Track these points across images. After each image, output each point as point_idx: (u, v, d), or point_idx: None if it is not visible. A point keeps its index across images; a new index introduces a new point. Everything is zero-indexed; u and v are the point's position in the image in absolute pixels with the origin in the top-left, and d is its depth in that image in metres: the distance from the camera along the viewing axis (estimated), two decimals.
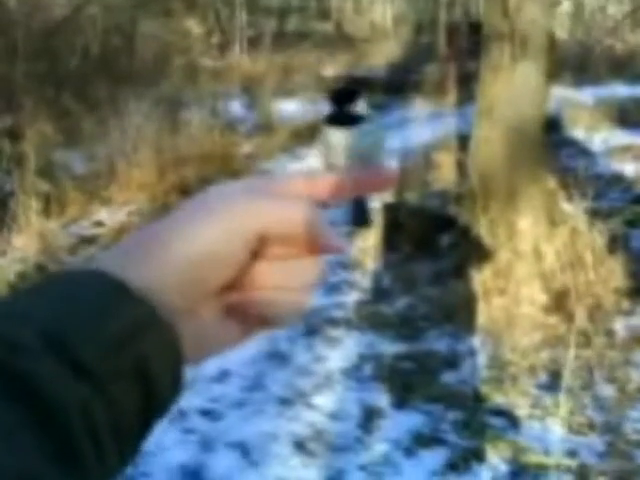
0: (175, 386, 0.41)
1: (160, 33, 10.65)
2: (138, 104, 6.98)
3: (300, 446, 3.00)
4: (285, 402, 3.34)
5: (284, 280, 0.46)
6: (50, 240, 5.06)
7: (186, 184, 6.37)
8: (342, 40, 14.88)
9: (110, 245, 5.05)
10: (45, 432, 0.34)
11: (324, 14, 18.46)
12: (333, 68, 12.31)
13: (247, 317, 0.46)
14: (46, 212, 5.23)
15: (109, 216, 5.68)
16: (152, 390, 0.40)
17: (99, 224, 5.55)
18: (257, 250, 0.44)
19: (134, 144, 6.30)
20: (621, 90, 10.69)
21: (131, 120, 6.66)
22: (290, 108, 9.78)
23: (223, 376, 3.53)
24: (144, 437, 0.41)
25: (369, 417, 3.20)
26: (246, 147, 7.87)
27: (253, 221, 0.43)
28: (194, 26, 11.84)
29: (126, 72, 8.88)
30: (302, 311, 0.47)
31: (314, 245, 0.45)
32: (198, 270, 0.42)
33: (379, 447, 2.98)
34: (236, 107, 9.35)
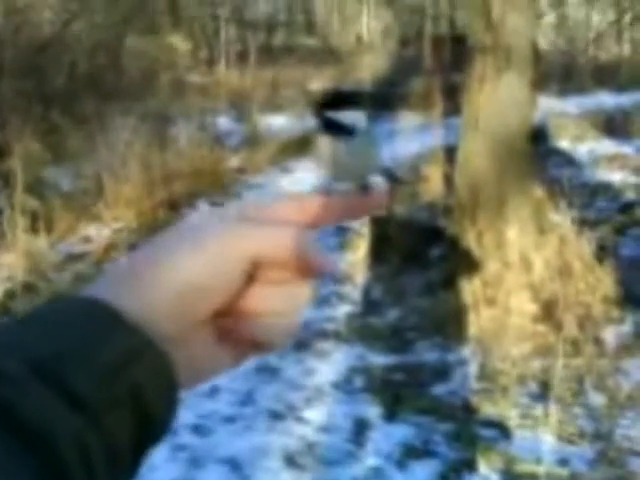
0: (169, 413, 0.41)
1: (147, 49, 10.67)
2: (125, 120, 6.97)
3: (291, 460, 2.98)
4: (275, 416, 3.32)
5: (277, 304, 0.46)
6: (38, 258, 5.04)
7: (175, 200, 6.37)
8: (328, 54, 14.95)
9: (99, 262, 5.04)
10: (35, 462, 0.34)
11: (310, 28, 18.56)
12: (320, 82, 12.34)
13: (240, 342, 0.47)
14: (34, 229, 5.21)
15: (97, 233, 5.66)
16: (146, 418, 0.40)
17: (87, 241, 5.53)
18: (252, 275, 0.44)
19: (122, 160, 6.29)
20: (606, 100, 10.77)
21: (119, 136, 6.65)
22: (278, 122, 9.80)
23: (213, 391, 3.52)
24: (139, 464, 0.41)
25: (360, 430, 3.19)
26: (235, 161, 7.87)
27: (243, 248, 0.43)
28: (180, 42, 11.86)
29: (113, 89, 8.89)
30: (293, 335, 0.47)
31: (305, 269, 0.45)
32: (189, 298, 0.42)
33: (370, 460, 2.97)
34: (224, 122, 9.36)
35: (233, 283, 0.43)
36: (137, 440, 0.39)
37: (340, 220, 0.50)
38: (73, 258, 5.20)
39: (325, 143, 0.52)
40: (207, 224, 0.45)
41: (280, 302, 0.46)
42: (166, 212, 6.16)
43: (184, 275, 0.42)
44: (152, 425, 0.40)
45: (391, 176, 0.54)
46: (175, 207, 6.32)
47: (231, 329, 0.46)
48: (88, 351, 0.38)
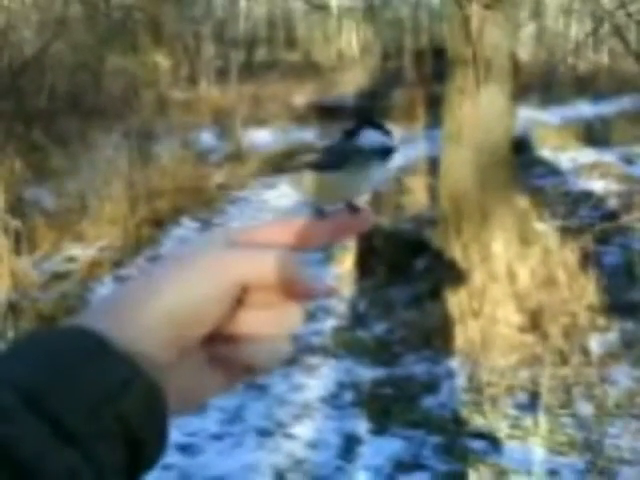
0: (161, 440, 0.41)
1: (128, 67, 10.66)
2: (108, 138, 6.96)
3: (280, 478, 2.96)
4: (264, 433, 3.30)
5: (266, 328, 0.46)
6: (22, 277, 4.99)
7: (158, 217, 6.35)
8: (310, 69, 15.01)
9: (84, 281, 5.01)
10: None
11: (291, 44, 18.63)
12: (302, 97, 12.39)
13: (231, 366, 0.47)
14: (17, 249, 5.17)
15: (81, 251, 5.63)
16: (138, 446, 0.39)
17: (71, 260, 5.50)
18: (242, 300, 0.45)
19: (105, 178, 6.27)
20: (586, 109, 10.88)
21: (101, 155, 6.63)
22: (261, 137, 9.81)
23: (201, 409, 3.49)
24: None
25: (349, 445, 3.17)
26: (218, 177, 7.87)
27: (231, 274, 0.43)
28: (162, 59, 11.87)
29: (95, 107, 8.87)
30: (283, 358, 0.48)
31: (294, 292, 0.45)
32: (180, 325, 0.42)
33: (360, 475, 2.96)
34: (207, 138, 9.37)
35: (222, 309, 0.43)
36: (130, 468, 0.39)
37: (327, 241, 0.50)
38: (57, 277, 5.16)
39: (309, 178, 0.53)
40: (194, 251, 0.45)
41: (269, 325, 0.46)
42: (150, 229, 6.14)
43: (174, 303, 0.42)
44: (144, 452, 0.40)
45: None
46: (159, 224, 6.30)
47: (222, 353, 0.46)
48: (78, 383, 0.38)
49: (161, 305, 0.42)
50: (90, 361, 0.39)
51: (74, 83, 9.46)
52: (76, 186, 6.34)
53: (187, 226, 6.53)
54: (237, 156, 8.77)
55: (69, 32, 9.44)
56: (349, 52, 17.97)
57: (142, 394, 0.40)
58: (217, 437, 3.28)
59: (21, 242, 5.21)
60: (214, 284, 0.43)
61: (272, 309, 0.46)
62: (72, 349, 0.39)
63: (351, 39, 18.45)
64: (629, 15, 4.80)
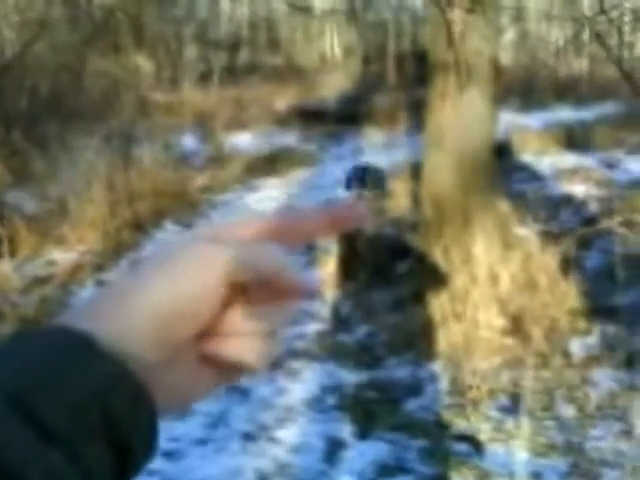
0: (150, 442, 0.40)
1: (109, 69, 10.61)
2: (89, 141, 6.91)
3: None
4: (248, 437, 3.29)
5: (257, 325, 0.45)
6: (2, 281, 4.95)
7: (140, 220, 6.32)
8: (292, 72, 15.01)
9: (65, 284, 4.98)
10: None
11: (274, 46, 18.63)
12: (284, 100, 12.39)
13: (222, 364, 0.46)
14: None
15: (62, 255, 5.59)
16: (125, 448, 0.39)
17: (52, 264, 5.46)
18: (230, 296, 0.44)
19: (86, 182, 6.23)
20: (567, 114, 10.97)
21: (82, 157, 6.59)
22: (243, 140, 9.80)
23: (186, 413, 3.48)
24: None
25: (333, 449, 3.17)
26: (200, 180, 7.84)
27: (219, 271, 0.42)
28: (144, 61, 11.83)
29: (76, 110, 8.81)
30: (273, 357, 0.47)
31: (284, 288, 0.45)
32: (168, 324, 0.42)
33: (344, 479, 2.96)
34: (188, 141, 9.34)
35: (211, 307, 0.43)
36: (117, 470, 0.39)
37: (315, 236, 0.49)
38: (38, 281, 5.12)
39: None
40: (181, 248, 0.44)
41: (260, 322, 0.45)
42: (131, 233, 6.11)
43: (161, 302, 0.41)
44: (132, 455, 0.39)
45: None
46: (140, 227, 6.27)
47: (212, 352, 0.45)
48: (62, 383, 0.37)
49: (147, 303, 0.41)
50: (74, 360, 0.38)
51: (55, 85, 9.40)
52: (57, 189, 6.30)
53: (169, 229, 6.51)
54: (219, 159, 8.76)
55: (50, 33, 9.37)
56: (332, 55, 18.00)
57: (128, 393, 0.39)
58: (201, 442, 3.27)
59: (1, 246, 5.17)
60: (202, 282, 0.42)
61: (261, 306, 0.45)
62: (55, 348, 0.38)
63: (334, 42, 18.49)
64: (610, 21, 4.85)
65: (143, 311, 0.41)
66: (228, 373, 0.47)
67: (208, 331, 0.44)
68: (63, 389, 0.37)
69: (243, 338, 0.45)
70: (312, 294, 0.46)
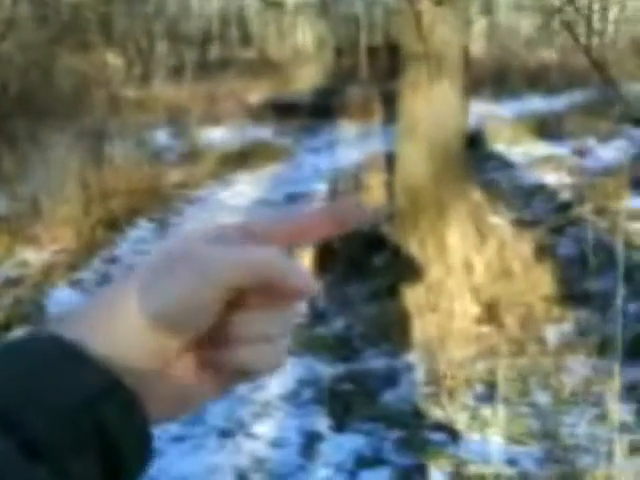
0: (143, 452, 0.40)
1: (80, 66, 10.50)
2: (60, 139, 6.84)
3: (242, 478, 2.95)
4: (225, 433, 3.29)
5: (259, 329, 0.44)
6: None
7: (114, 218, 6.27)
8: (265, 66, 14.96)
9: (38, 285, 4.92)
10: None
11: (246, 41, 18.55)
12: (258, 94, 12.35)
13: (223, 370, 0.45)
14: None
15: (35, 255, 5.53)
16: (117, 459, 0.38)
17: (24, 264, 5.40)
18: (232, 301, 0.43)
19: (58, 180, 6.16)
20: (538, 103, 11.05)
21: (53, 156, 6.52)
22: (217, 135, 9.76)
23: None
24: None
25: (310, 442, 3.17)
26: (174, 176, 7.80)
27: (218, 277, 0.41)
28: (114, 58, 11.72)
29: (46, 107, 8.72)
30: (280, 363, 0.46)
31: (286, 292, 0.44)
32: (164, 330, 0.41)
33: (322, 472, 2.96)
34: (161, 137, 9.28)
35: (210, 312, 0.42)
36: None
37: (318, 236, 0.48)
38: (11, 283, 5.07)
39: None
40: (180, 253, 0.43)
41: (263, 327, 0.44)
42: (105, 231, 6.06)
43: (156, 308, 0.40)
44: (124, 467, 0.39)
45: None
46: (114, 225, 6.22)
47: (213, 357, 0.44)
48: (51, 394, 0.36)
49: (142, 310, 0.40)
50: (63, 371, 0.37)
51: (24, 83, 9.29)
52: (28, 189, 6.23)
53: (143, 227, 6.47)
54: (193, 155, 8.71)
55: (18, 31, 9.26)
56: (304, 49, 17.97)
57: (118, 405, 0.38)
58: (178, 439, 3.26)
59: None
60: (198, 291, 0.41)
61: (263, 310, 0.44)
62: (44, 359, 0.38)
63: (306, 36, 18.45)
64: (577, 10, 4.88)
65: (137, 318, 0.40)
66: (230, 379, 0.46)
67: (209, 337, 0.43)
68: (50, 401, 0.36)
69: (246, 343, 0.44)
70: (310, 295, 0.46)
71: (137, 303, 0.41)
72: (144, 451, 0.40)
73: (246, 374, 0.46)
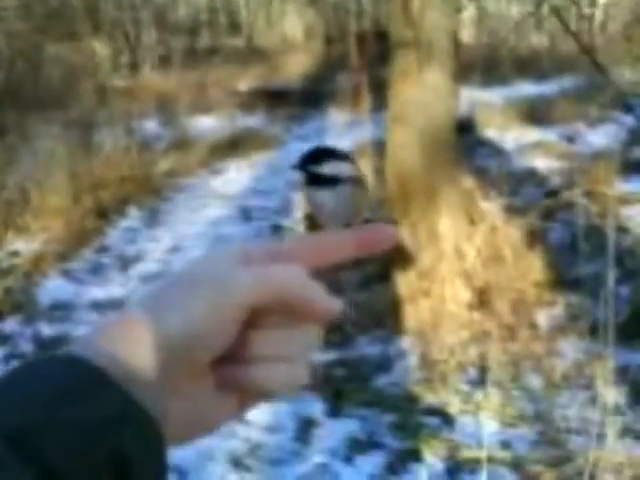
0: (159, 472, 0.40)
1: (67, 56, 10.43)
2: (48, 129, 6.81)
3: (237, 463, 2.96)
4: None
5: (279, 349, 0.44)
6: None
7: (103, 207, 6.25)
8: (254, 54, 14.90)
9: (28, 275, 4.90)
10: None
11: (235, 29, 18.45)
12: (247, 82, 12.31)
13: (242, 389, 0.45)
14: None
15: (25, 245, 5.51)
16: None
17: (14, 254, 5.38)
18: (250, 320, 0.43)
19: (47, 170, 6.13)
20: (528, 89, 11.05)
21: (42, 145, 6.49)
22: (206, 124, 9.72)
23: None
24: None
25: (304, 428, 3.19)
26: (164, 165, 7.77)
27: (238, 297, 0.41)
28: (101, 47, 11.64)
29: (33, 97, 8.66)
30: (300, 383, 0.46)
31: (308, 312, 0.44)
32: (183, 350, 0.41)
33: (316, 457, 2.97)
34: (151, 125, 9.23)
35: (229, 332, 0.42)
36: None
37: (349, 256, 0.49)
38: (1, 273, 5.04)
39: (311, 195, 0.53)
40: (202, 272, 0.43)
41: (282, 346, 0.44)
42: (95, 220, 6.04)
43: (175, 328, 0.40)
44: None
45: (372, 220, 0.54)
46: (104, 215, 6.20)
47: (233, 376, 0.44)
48: (68, 419, 0.36)
49: (159, 335, 0.40)
50: (81, 394, 0.37)
51: (12, 73, 9.22)
52: (17, 178, 6.19)
53: (133, 216, 6.44)
54: (182, 143, 8.68)
55: (4, 21, 9.18)
56: (293, 36, 17.89)
57: (136, 429, 0.38)
58: None
59: None
60: (219, 311, 0.41)
61: (286, 329, 0.44)
62: (63, 381, 0.37)
63: (295, 23, 18.37)
64: None
65: (155, 342, 0.40)
66: (250, 399, 0.46)
67: (228, 357, 0.43)
68: (70, 426, 0.36)
69: (264, 362, 0.44)
70: (334, 316, 0.45)
71: (155, 327, 0.40)
72: (159, 473, 0.40)
73: (264, 394, 0.46)
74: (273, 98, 11.04)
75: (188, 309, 0.41)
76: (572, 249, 4.65)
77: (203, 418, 0.45)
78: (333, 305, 0.45)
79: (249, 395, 0.46)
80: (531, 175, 6.67)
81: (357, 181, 0.54)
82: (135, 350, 0.40)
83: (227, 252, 0.45)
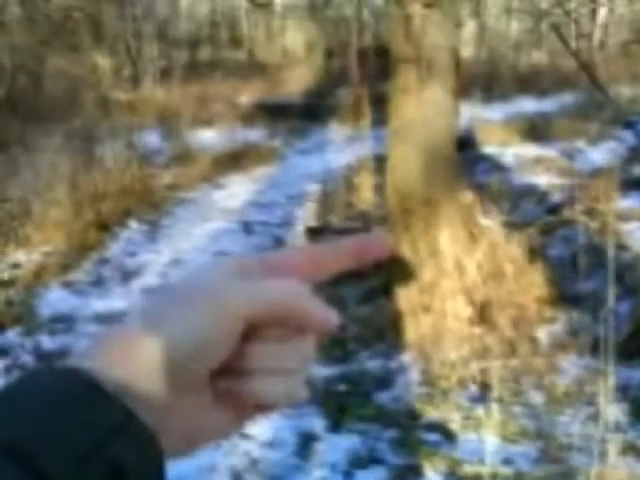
0: None
1: (69, 68, 10.47)
2: (50, 141, 6.82)
3: (238, 478, 2.95)
4: None
5: (277, 362, 0.44)
6: None
7: (104, 220, 6.26)
8: (255, 68, 14.97)
9: (29, 287, 4.90)
10: None
11: (236, 43, 18.53)
12: (248, 96, 12.35)
13: (240, 403, 0.45)
14: None
15: (26, 257, 5.51)
16: None
17: (16, 266, 5.38)
18: (248, 333, 0.43)
19: (48, 182, 6.15)
20: (528, 105, 11.10)
21: (43, 158, 6.50)
22: (207, 137, 9.75)
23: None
24: None
25: (305, 443, 3.18)
26: (165, 178, 7.79)
27: (235, 309, 0.42)
28: (103, 60, 11.69)
29: (35, 110, 8.68)
30: (298, 396, 0.46)
31: (305, 325, 0.44)
32: (180, 363, 0.41)
33: (317, 473, 2.96)
34: (152, 139, 9.26)
35: (227, 344, 0.42)
36: None
37: (344, 267, 0.49)
38: (2, 284, 5.05)
39: None
40: (199, 283, 0.43)
41: (280, 359, 0.44)
42: (96, 233, 6.04)
43: (172, 341, 0.41)
44: None
45: None
46: (105, 227, 6.21)
47: (231, 389, 0.44)
48: (66, 431, 0.36)
49: (157, 347, 0.40)
50: (79, 407, 0.37)
51: (14, 86, 9.25)
52: (18, 191, 6.21)
53: (134, 228, 6.45)
54: (183, 157, 8.70)
55: (8, 34, 9.22)
56: (294, 51, 17.97)
57: (134, 441, 0.38)
58: None
59: None
60: (217, 324, 0.41)
61: (282, 342, 0.44)
62: (60, 393, 0.37)
63: (296, 38, 18.45)
64: (566, 13, 4.91)
65: (153, 355, 0.40)
66: (247, 412, 0.46)
67: (226, 370, 0.43)
68: (66, 437, 0.36)
69: (261, 375, 0.44)
70: (332, 329, 0.45)
71: (153, 340, 0.41)
72: None
73: (262, 407, 0.45)
74: (274, 112, 11.09)
75: (187, 322, 0.41)
76: (572, 265, 4.66)
77: (200, 431, 0.45)
78: (330, 318, 0.45)
79: (246, 408, 0.45)
80: (531, 191, 6.69)
81: None
82: (134, 363, 0.40)
83: (223, 264, 0.45)
